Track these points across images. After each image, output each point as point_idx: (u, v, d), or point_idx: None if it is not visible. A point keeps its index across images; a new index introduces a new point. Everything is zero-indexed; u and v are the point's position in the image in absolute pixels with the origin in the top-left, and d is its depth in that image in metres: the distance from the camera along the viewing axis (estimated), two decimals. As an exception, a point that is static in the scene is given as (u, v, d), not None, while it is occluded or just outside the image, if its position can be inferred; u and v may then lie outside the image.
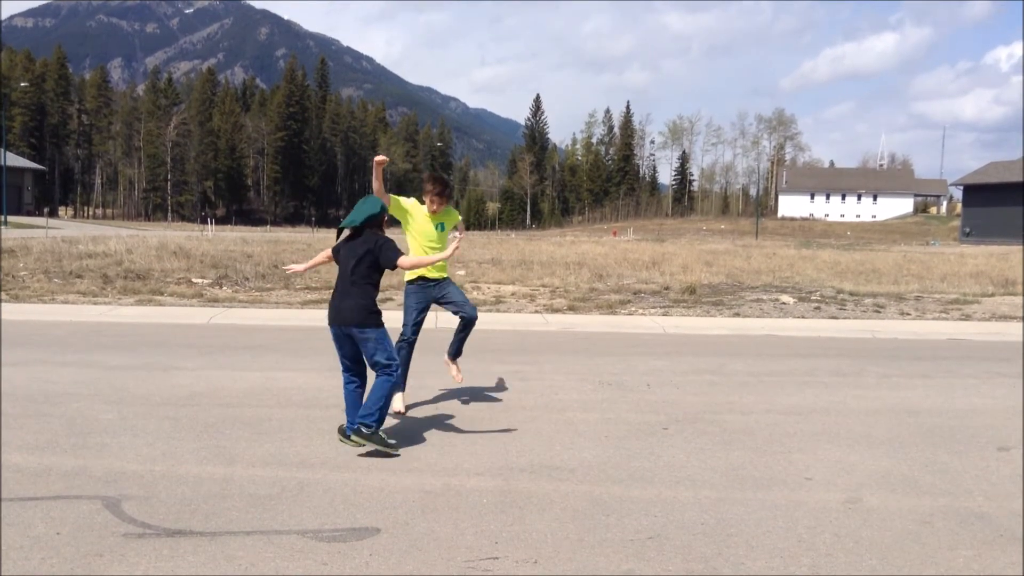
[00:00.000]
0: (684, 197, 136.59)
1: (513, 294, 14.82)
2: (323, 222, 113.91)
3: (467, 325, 6.11)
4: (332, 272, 19.86)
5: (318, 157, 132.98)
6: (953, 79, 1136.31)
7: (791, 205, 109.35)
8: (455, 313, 6.08)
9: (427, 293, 6.04)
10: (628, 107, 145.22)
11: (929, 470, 4.86)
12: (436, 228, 6.05)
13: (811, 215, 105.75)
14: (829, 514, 4.07)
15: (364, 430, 4.91)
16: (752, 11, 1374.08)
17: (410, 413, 6.02)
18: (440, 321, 11.26)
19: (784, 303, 14.15)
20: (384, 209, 5.36)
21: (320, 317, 11.62)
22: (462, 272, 18.96)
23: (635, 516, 3.99)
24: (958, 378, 7.91)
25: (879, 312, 13.29)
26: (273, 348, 8.88)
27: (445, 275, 6.13)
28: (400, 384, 5.63)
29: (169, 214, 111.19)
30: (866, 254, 33.50)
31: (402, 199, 6.07)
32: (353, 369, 5.21)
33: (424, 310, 6.07)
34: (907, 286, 17.35)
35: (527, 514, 3.99)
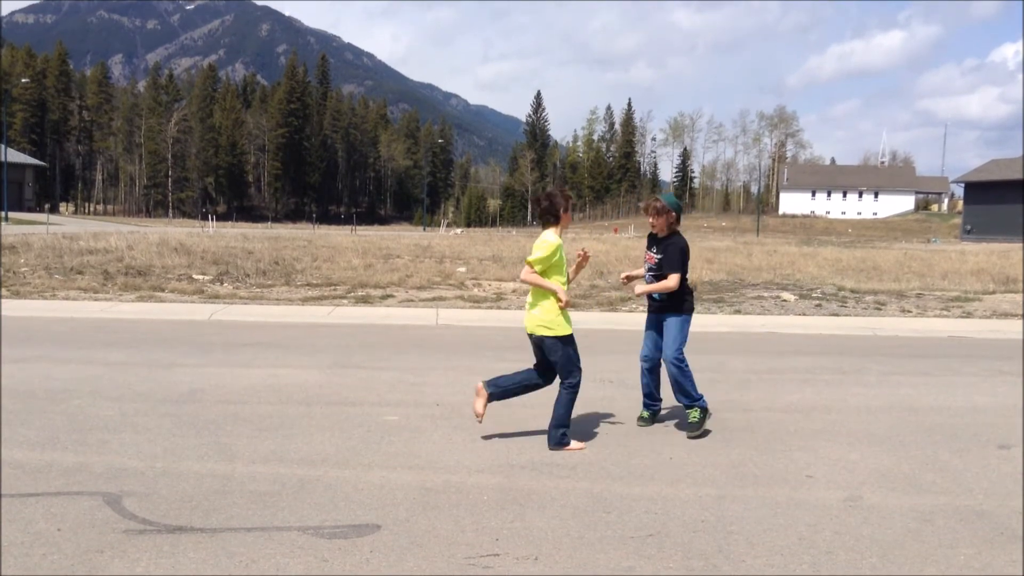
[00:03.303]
0: (685, 194, 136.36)
1: (514, 291, 14.82)
2: (324, 219, 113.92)
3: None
4: (334, 269, 19.79)
5: (319, 154, 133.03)
6: (959, 76, 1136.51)
7: (792, 202, 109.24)
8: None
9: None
10: (630, 104, 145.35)
11: (930, 468, 4.86)
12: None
13: (812, 212, 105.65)
14: (830, 512, 4.07)
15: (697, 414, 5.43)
16: (760, 9, 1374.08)
17: (410, 410, 6.02)
18: (440, 319, 11.26)
19: (785, 300, 14.14)
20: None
21: (320, 314, 11.64)
22: (463, 269, 18.95)
23: (636, 513, 3.99)
24: (959, 376, 7.90)
25: (880, 310, 13.28)
26: (274, 345, 8.88)
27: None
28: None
29: (170, 211, 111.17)
30: (867, 251, 33.47)
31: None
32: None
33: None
34: (908, 284, 17.33)
35: (528, 511, 3.99)
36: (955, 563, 3.50)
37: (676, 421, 5.86)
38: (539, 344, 5.17)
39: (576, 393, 5.19)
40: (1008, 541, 3.75)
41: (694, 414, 5.44)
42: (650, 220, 5.56)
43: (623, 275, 5.97)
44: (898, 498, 4.31)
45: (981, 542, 3.73)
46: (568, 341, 5.12)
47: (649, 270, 5.61)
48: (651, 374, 5.73)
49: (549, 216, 5.19)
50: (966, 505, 4.21)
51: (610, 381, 7.25)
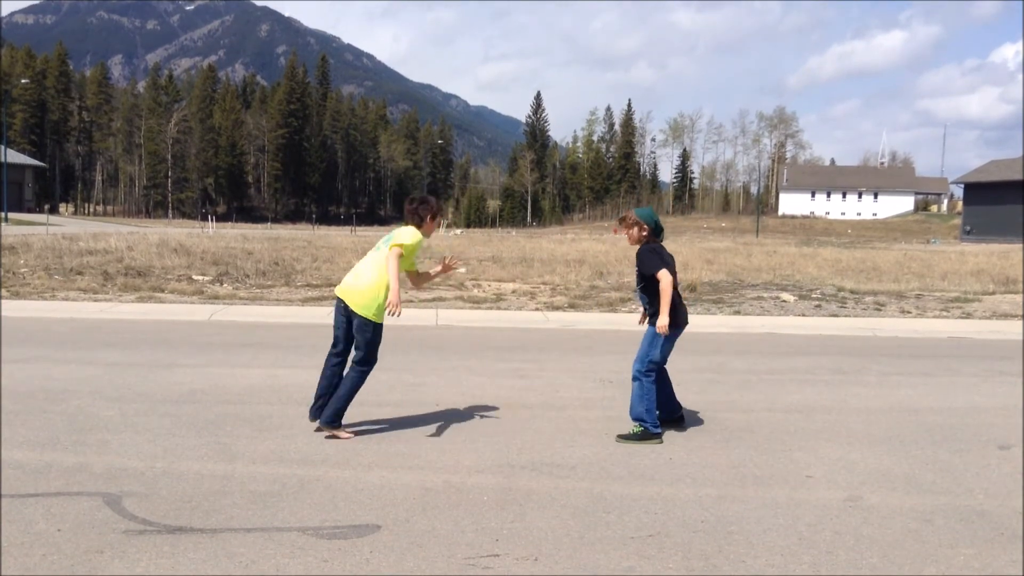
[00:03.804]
0: (685, 195, 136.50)
1: (514, 291, 14.83)
2: (324, 219, 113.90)
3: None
4: (333, 269, 19.80)
5: (319, 154, 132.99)
6: (960, 76, 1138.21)
7: (792, 203, 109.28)
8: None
9: None
10: (629, 105, 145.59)
11: (930, 468, 4.86)
12: None
13: (812, 213, 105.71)
14: (830, 512, 4.07)
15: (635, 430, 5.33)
16: (761, 9, 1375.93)
17: (410, 410, 6.02)
18: (440, 319, 11.27)
19: (785, 301, 14.14)
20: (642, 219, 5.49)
21: (320, 314, 11.63)
22: (462, 269, 18.95)
23: (636, 514, 3.99)
24: (959, 376, 7.90)
25: (880, 310, 13.28)
26: (274, 345, 8.88)
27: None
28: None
29: (170, 211, 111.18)
30: (867, 252, 33.49)
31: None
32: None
33: None
34: (908, 284, 17.34)
35: (528, 511, 3.99)
36: (955, 563, 3.50)
37: (676, 421, 5.85)
38: (349, 318, 5.21)
39: (366, 377, 5.23)
40: (1008, 541, 3.75)
41: (636, 428, 5.34)
42: (624, 232, 5.52)
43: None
44: (898, 498, 4.31)
45: (981, 542, 3.73)
46: (379, 329, 5.21)
47: (637, 283, 5.61)
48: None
49: (416, 217, 5.30)
50: (966, 505, 4.22)
51: (610, 381, 7.25)
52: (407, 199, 5.43)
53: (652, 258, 5.33)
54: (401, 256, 5.10)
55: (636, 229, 5.44)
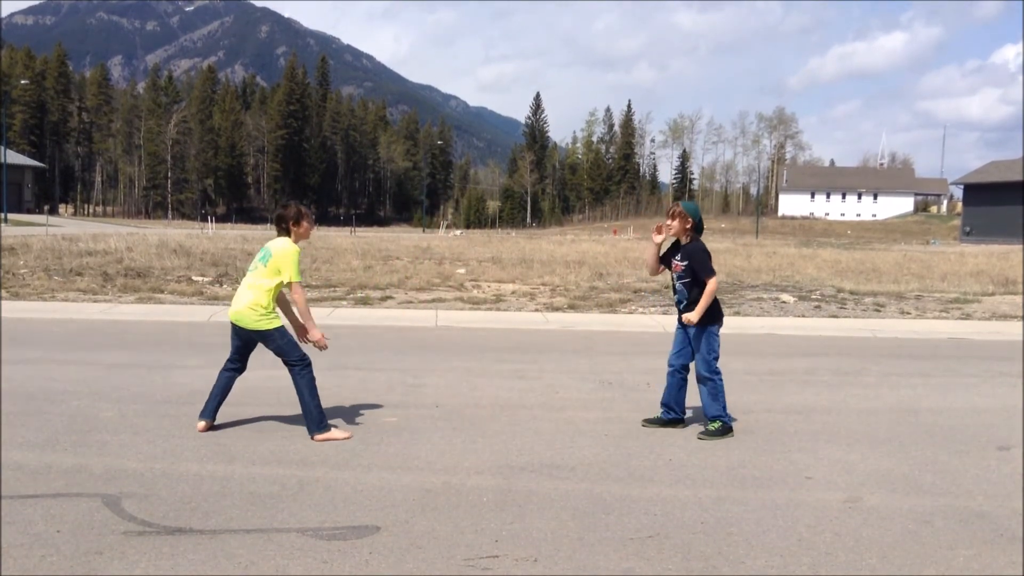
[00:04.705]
0: (684, 196, 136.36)
1: (513, 292, 14.83)
2: (323, 220, 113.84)
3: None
4: (333, 270, 19.76)
5: (318, 155, 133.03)
6: (960, 78, 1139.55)
7: (791, 204, 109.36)
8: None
9: None
10: (629, 106, 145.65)
11: (929, 469, 4.86)
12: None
13: (811, 214, 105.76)
14: (829, 513, 4.07)
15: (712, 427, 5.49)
16: (763, 10, 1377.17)
17: (409, 411, 6.02)
18: (440, 320, 11.26)
19: (784, 302, 14.15)
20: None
21: (320, 315, 11.62)
22: (462, 270, 18.96)
23: (635, 515, 3.99)
24: (958, 377, 7.90)
25: (879, 311, 13.28)
26: (273, 346, 8.87)
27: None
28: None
29: (169, 212, 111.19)
30: (866, 253, 33.51)
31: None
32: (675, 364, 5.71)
33: None
34: (907, 285, 17.35)
35: (527, 512, 3.99)
36: (955, 564, 3.50)
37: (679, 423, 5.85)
38: (244, 339, 5.37)
39: (311, 372, 5.31)
40: (1008, 542, 3.75)
41: (715, 425, 5.50)
42: (668, 222, 5.57)
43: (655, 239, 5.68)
44: (898, 499, 4.31)
45: (981, 543, 3.73)
46: (281, 331, 5.29)
47: (679, 278, 5.62)
48: (671, 378, 5.70)
49: (282, 227, 5.43)
50: (966, 506, 4.21)
51: (610, 383, 7.25)
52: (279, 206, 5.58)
53: (706, 259, 5.46)
54: (296, 283, 5.23)
55: (680, 221, 5.53)
